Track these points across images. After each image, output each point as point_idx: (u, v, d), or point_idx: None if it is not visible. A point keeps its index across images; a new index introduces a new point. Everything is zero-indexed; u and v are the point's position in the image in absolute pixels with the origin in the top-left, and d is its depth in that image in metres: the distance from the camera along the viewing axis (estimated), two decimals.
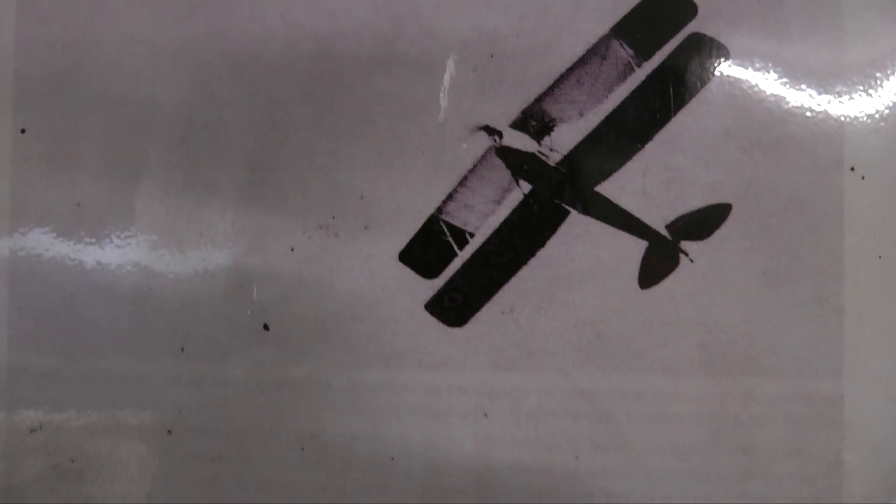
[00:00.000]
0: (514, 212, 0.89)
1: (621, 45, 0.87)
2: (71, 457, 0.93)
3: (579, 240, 0.88)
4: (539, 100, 0.87)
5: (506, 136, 0.88)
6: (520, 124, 0.88)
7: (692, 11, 0.87)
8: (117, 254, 0.91)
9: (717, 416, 0.88)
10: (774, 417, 0.88)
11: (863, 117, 0.87)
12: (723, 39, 0.87)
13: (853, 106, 0.87)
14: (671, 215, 0.88)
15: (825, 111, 0.87)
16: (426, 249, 0.89)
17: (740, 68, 0.87)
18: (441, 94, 0.88)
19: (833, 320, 0.87)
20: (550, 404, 0.89)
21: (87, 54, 0.90)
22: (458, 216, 0.89)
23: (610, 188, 0.88)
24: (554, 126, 0.88)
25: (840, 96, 0.87)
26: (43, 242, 0.92)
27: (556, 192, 0.88)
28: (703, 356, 0.88)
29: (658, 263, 0.88)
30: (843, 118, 0.87)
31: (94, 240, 0.91)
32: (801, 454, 0.88)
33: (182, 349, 0.92)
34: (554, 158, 0.88)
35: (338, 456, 0.90)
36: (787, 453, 0.88)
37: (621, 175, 0.88)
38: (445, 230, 0.89)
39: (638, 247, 0.88)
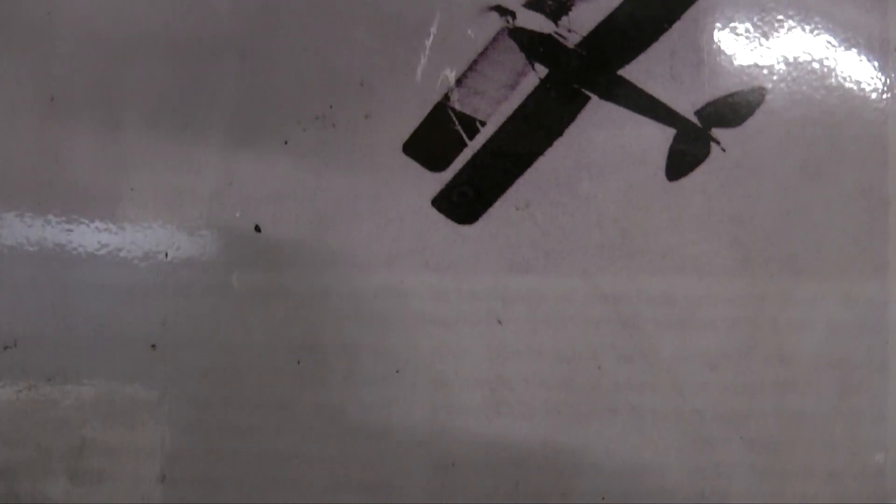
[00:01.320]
0: (529, 98, 0.81)
1: None
2: (48, 375, 0.85)
3: (601, 128, 0.81)
4: None
5: (519, 16, 0.81)
6: (535, 3, 0.80)
7: None
8: (100, 152, 0.83)
9: (752, 321, 0.80)
10: (814, 322, 0.81)
11: None
12: None
13: None
14: (701, 100, 0.81)
15: None
16: (433, 140, 0.81)
17: None
18: None
19: (877, 213, 0.80)
20: (570, 310, 0.81)
21: None
22: (467, 103, 0.81)
23: (634, 71, 0.81)
24: (572, 4, 0.80)
25: None
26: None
27: (575, 76, 0.80)
28: (736, 254, 0.80)
29: (687, 153, 0.80)
30: None
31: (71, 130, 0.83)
32: (843, 362, 0.80)
33: (166, 254, 0.84)
34: (573, 40, 0.81)
35: (337, 369, 0.82)
36: (828, 361, 0.81)
37: (647, 57, 0.81)
38: (454, 118, 0.81)
39: (665, 135, 0.81)
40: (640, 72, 0.81)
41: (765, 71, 0.80)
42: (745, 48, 0.80)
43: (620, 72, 0.81)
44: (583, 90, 0.81)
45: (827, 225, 0.80)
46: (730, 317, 0.80)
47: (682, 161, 0.81)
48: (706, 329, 0.80)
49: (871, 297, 0.80)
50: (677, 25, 0.80)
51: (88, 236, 0.84)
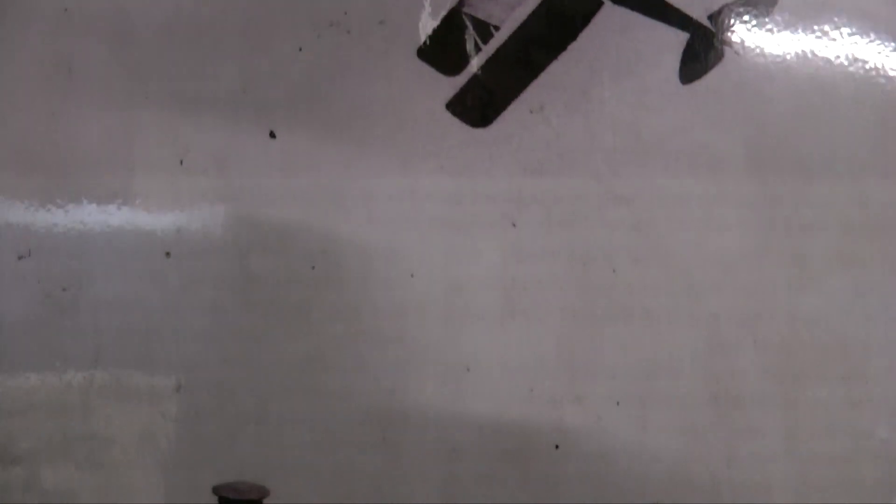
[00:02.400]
0: (543, 3, 0.81)
1: None
2: (62, 285, 0.86)
3: (614, 32, 0.81)
4: None
5: None
6: None
7: None
8: (111, 56, 0.84)
9: (765, 223, 0.81)
10: (827, 223, 0.81)
11: None
12: None
13: None
14: (715, 5, 0.81)
15: None
16: (447, 45, 0.81)
17: None
18: None
19: (891, 116, 0.80)
20: (584, 211, 0.81)
21: None
22: (481, 8, 0.81)
23: None
24: None
25: None
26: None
27: None
28: (750, 157, 0.81)
29: (700, 57, 0.81)
30: None
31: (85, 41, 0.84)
32: (857, 263, 0.81)
33: (181, 162, 0.84)
34: None
35: (351, 274, 0.83)
36: (842, 262, 0.81)
37: None
38: (468, 23, 0.81)
39: (679, 39, 0.81)
40: None
41: None
42: None
43: None
44: None
45: (840, 127, 0.80)
46: (743, 219, 0.81)
47: (695, 65, 0.81)
48: (720, 231, 0.81)
49: (884, 199, 0.80)
50: None
51: (105, 146, 0.85)
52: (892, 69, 0.81)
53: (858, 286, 0.81)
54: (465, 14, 0.81)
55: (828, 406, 0.81)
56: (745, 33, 0.81)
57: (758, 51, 0.81)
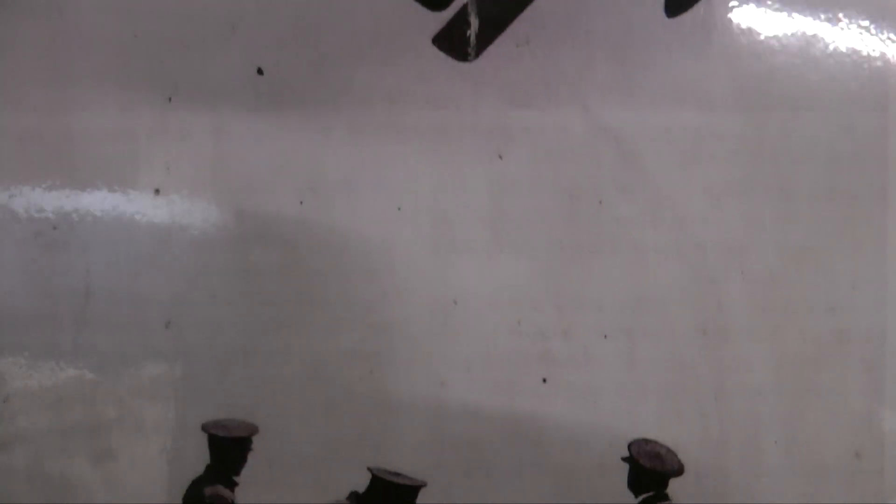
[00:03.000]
0: None
1: None
2: (53, 223, 0.86)
3: None
4: None
5: None
6: None
7: None
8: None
9: (753, 155, 0.81)
10: (814, 155, 0.81)
11: None
12: None
13: None
14: None
15: None
16: None
17: None
18: None
19: (877, 49, 0.80)
20: (571, 144, 0.81)
21: None
22: None
23: None
24: None
25: None
26: None
27: None
28: (737, 89, 0.81)
29: None
30: None
31: None
32: (843, 194, 0.80)
33: (169, 99, 0.84)
34: None
35: (339, 208, 0.83)
36: (828, 193, 0.81)
37: None
38: None
39: None
40: None
41: None
42: None
43: None
44: None
45: (826, 60, 0.80)
46: (730, 150, 0.81)
47: None
48: (707, 163, 0.81)
49: (869, 130, 0.80)
50: None
51: (96, 83, 0.85)
52: (878, 4, 0.81)
53: (845, 218, 0.80)
54: None
55: (815, 337, 0.80)
56: None
57: None
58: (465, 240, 0.82)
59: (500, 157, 0.81)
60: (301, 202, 0.83)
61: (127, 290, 0.85)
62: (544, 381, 0.82)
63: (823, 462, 0.81)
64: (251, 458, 0.85)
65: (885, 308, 0.80)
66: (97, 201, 0.86)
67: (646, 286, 0.81)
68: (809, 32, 0.80)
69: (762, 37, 0.81)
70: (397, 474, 0.83)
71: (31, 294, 0.86)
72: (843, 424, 0.81)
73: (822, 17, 0.80)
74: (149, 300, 0.85)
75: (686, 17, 0.81)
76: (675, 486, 0.82)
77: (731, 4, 0.81)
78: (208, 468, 0.86)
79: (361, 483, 0.84)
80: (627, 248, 0.81)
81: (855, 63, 0.80)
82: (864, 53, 0.80)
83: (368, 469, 0.83)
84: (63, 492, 0.86)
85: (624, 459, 0.82)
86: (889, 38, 0.80)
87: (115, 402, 0.86)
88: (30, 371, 0.86)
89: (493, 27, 0.82)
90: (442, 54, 0.82)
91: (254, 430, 0.85)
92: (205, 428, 0.86)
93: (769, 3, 0.81)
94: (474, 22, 0.81)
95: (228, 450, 0.86)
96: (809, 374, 0.81)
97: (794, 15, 0.80)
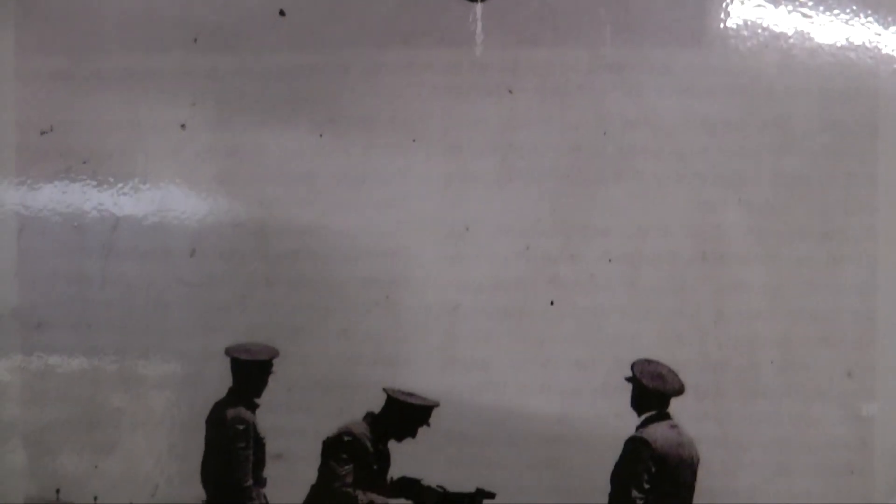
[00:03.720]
0: None
1: None
2: (83, 157, 0.90)
3: None
4: None
5: None
6: None
7: None
8: None
9: (748, 90, 0.85)
10: (809, 89, 0.85)
11: None
12: None
13: None
14: None
15: None
16: None
17: None
18: None
19: None
20: (577, 79, 0.86)
21: None
22: None
23: None
24: None
25: None
26: None
27: None
28: (731, 27, 0.85)
29: None
30: None
31: None
32: (836, 125, 0.85)
33: (195, 40, 0.89)
34: None
35: (357, 140, 0.87)
36: (822, 126, 0.85)
37: None
38: None
39: None
40: None
41: None
42: None
43: None
44: None
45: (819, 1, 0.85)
46: (728, 84, 0.85)
47: None
48: (706, 96, 0.85)
49: (862, 66, 0.84)
50: None
51: (123, 27, 0.89)
52: None
53: (837, 148, 0.85)
54: None
55: (809, 263, 0.85)
56: None
57: None
58: (476, 170, 0.86)
59: (510, 92, 0.86)
60: (321, 135, 0.87)
61: (153, 221, 0.90)
62: (552, 303, 0.86)
63: (817, 382, 0.85)
64: (271, 381, 0.90)
65: (876, 233, 0.84)
66: (125, 137, 0.90)
67: (648, 214, 0.85)
68: None
69: None
70: (411, 394, 0.87)
71: (62, 226, 0.91)
72: (835, 345, 0.85)
73: None
74: (175, 230, 0.89)
75: None
76: (675, 405, 0.86)
77: None
78: (230, 391, 0.90)
79: (377, 404, 0.88)
80: (630, 178, 0.85)
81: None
82: None
83: (384, 390, 0.88)
84: (91, 410, 0.90)
85: (627, 379, 0.86)
86: None
87: (142, 328, 0.90)
88: (60, 299, 0.91)
89: None
90: None
91: (275, 353, 0.89)
92: (228, 352, 0.90)
93: None
94: None
95: (250, 373, 0.90)
96: (804, 297, 0.85)
97: None
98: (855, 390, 0.85)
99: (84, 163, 0.90)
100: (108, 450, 0.91)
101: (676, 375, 0.86)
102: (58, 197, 0.90)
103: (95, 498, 0.91)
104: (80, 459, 0.90)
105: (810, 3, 0.85)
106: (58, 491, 0.91)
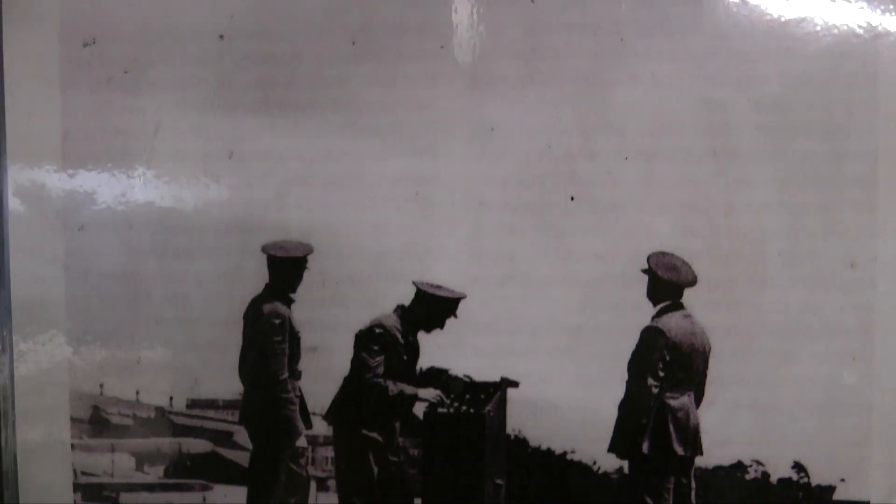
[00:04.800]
0: None
1: None
2: (125, 68, 0.95)
3: None
4: None
5: None
6: None
7: None
8: None
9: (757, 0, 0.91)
10: None
11: None
12: None
13: None
14: None
15: None
16: None
17: None
18: None
19: None
20: None
21: None
22: None
23: None
24: None
25: None
26: None
27: None
28: None
29: None
30: None
31: None
32: (839, 29, 0.90)
33: None
34: None
35: (388, 47, 0.92)
36: (825, 31, 0.90)
37: None
38: None
39: None
40: None
41: None
42: None
43: None
44: None
45: None
46: None
47: None
48: (717, 4, 0.90)
49: (862, 24, 0.90)
50: None
51: None
52: None
53: (841, 52, 0.90)
54: None
55: (815, 158, 0.90)
56: None
57: None
58: (500, 74, 0.91)
59: (533, 1, 0.91)
60: (354, 42, 0.92)
61: (193, 126, 0.94)
62: (572, 199, 0.91)
63: (821, 272, 0.90)
64: (306, 276, 0.94)
65: (876, 130, 0.90)
66: (166, 47, 0.95)
67: (662, 113, 0.90)
68: None
69: None
70: (439, 287, 0.92)
71: (104, 132, 0.95)
72: (839, 237, 0.90)
73: None
74: (213, 135, 0.94)
75: None
76: (689, 296, 0.92)
77: None
78: (267, 287, 0.95)
79: (407, 296, 0.93)
80: (645, 81, 0.91)
81: None
82: None
83: (413, 283, 0.93)
84: (134, 308, 0.95)
85: (643, 271, 0.91)
86: None
87: (183, 228, 0.95)
88: (102, 200, 0.95)
89: None
90: None
91: (309, 249, 0.94)
92: (264, 249, 0.95)
93: None
94: None
95: (286, 269, 0.94)
96: (809, 190, 0.90)
97: None
98: (858, 280, 0.90)
99: (126, 73, 0.95)
100: (149, 346, 0.95)
101: (689, 267, 0.91)
102: (100, 106, 0.95)
103: (137, 392, 0.95)
104: (124, 354, 0.95)
105: None
106: (101, 385, 0.96)
